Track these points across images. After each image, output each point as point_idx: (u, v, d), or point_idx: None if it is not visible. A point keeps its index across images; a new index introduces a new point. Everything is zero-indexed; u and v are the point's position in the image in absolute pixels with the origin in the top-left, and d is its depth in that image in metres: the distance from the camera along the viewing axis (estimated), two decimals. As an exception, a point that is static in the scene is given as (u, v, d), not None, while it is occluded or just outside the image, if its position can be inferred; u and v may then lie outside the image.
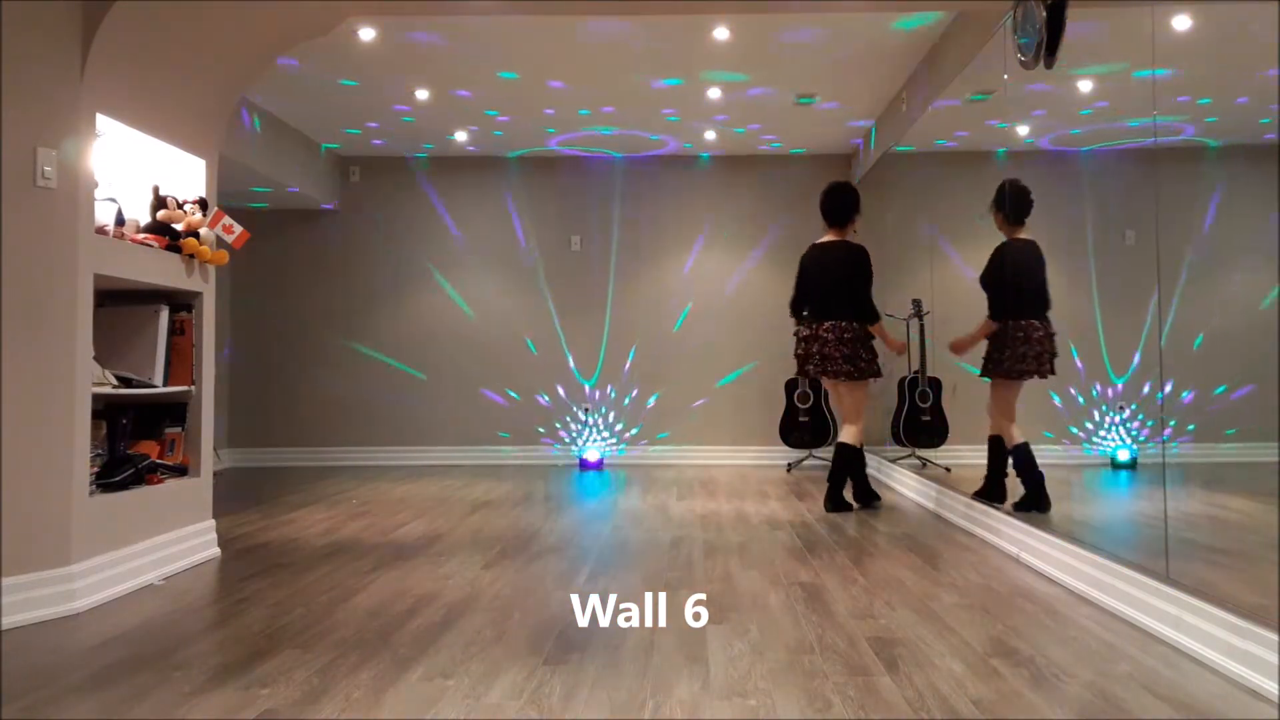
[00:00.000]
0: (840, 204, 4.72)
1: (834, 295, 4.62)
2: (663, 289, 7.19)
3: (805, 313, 4.77)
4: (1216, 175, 2.89)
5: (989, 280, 3.92)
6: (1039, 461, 3.68)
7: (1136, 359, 3.21)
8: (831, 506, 4.68)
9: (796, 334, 4.81)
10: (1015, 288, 3.74)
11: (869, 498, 4.83)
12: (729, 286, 7.21)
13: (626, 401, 7.16)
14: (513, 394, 7.20)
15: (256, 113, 5.82)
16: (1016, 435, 3.75)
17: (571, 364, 7.20)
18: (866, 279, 4.65)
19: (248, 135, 5.68)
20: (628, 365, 7.18)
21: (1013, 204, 3.73)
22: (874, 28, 4.58)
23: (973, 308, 3.97)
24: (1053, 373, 3.62)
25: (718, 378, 7.17)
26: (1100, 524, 3.70)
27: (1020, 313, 3.71)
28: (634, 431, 7.16)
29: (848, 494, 4.77)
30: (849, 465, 4.70)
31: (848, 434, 4.69)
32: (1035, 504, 3.62)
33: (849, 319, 4.59)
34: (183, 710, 1.99)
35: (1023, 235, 3.75)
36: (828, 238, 4.75)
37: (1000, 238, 3.83)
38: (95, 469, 3.13)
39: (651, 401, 7.16)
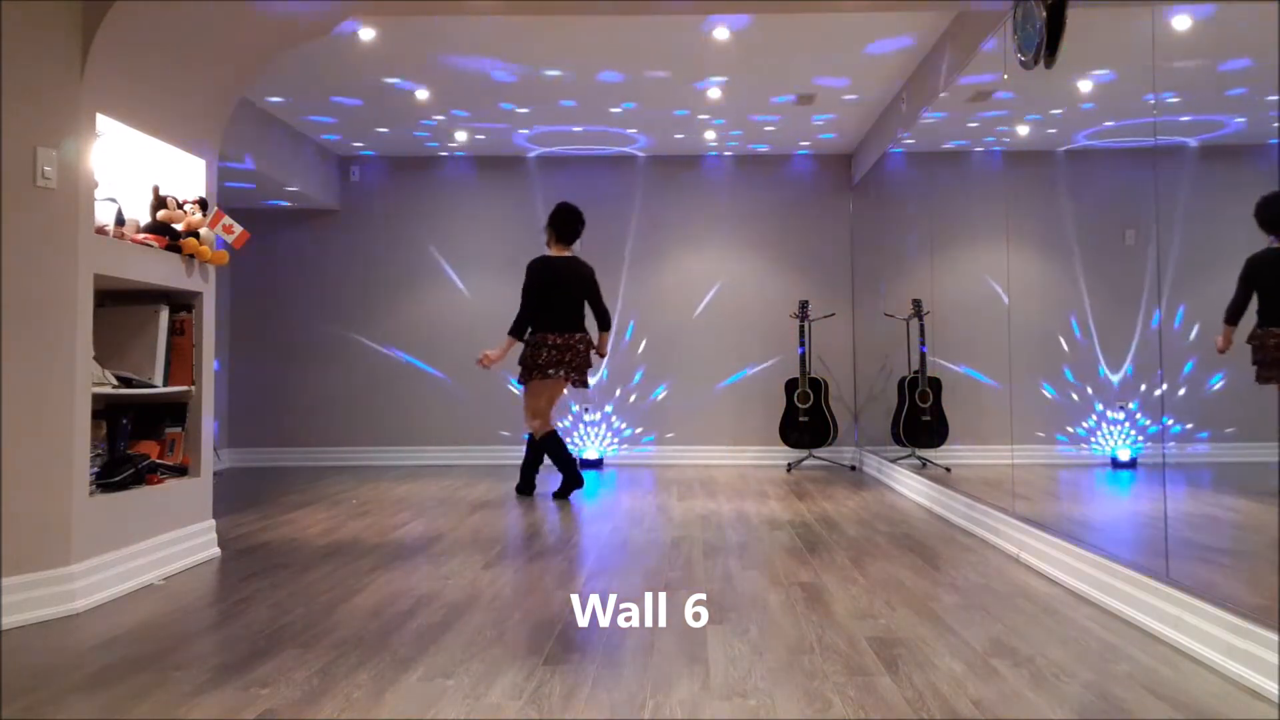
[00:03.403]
0: (574, 225, 5.28)
1: (578, 307, 5.22)
2: (662, 289, 7.19)
3: (548, 323, 5.11)
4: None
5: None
6: (1038, 462, 3.67)
7: (1132, 357, 3.20)
8: (527, 490, 5.31)
9: (542, 342, 5.12)
10: (1253, 293, 3.62)
11: (531, 489, 5.37)
12: (727, 287, 7.21)
13: (630, 398, 7.16)
14: (513, 394, 7.19)
15: (256, 113, 5.82)
16: None
17: (528, 372, 7.17)
18: (599, 292, 5.35)
19: (247, 135, 5.68)
20: (627, 365, 7.18)
21: (1263, 214, 3.58)
22: (873, 28, 4.59)
23: (972, 308, 3.97)
24: None
25: (718, 378, 7.17)
26: (1100, 524, 3.70)
27: (1266, 319, 3.60)
28: (634, 431, 7.16)
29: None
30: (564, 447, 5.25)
31: (546, 427, 5.22)
32: None
33: (585, 330, 5.22)
34: (183, 710, 1.99)
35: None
36: (558, 253, 5.27)
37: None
38: (95, 469, 3.13)
39: (651, 401, 7.16)
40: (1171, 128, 2.80)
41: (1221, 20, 2.66)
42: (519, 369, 5.19)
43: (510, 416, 7.18)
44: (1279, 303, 3.50)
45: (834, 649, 2.38)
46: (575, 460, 5.27)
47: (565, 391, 5.34)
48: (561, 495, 5.20)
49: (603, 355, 5.47)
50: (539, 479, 5.46)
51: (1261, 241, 3.34)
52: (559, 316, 5.14)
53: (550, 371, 5.08)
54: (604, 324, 5.35)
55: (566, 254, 5.27)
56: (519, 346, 5.21)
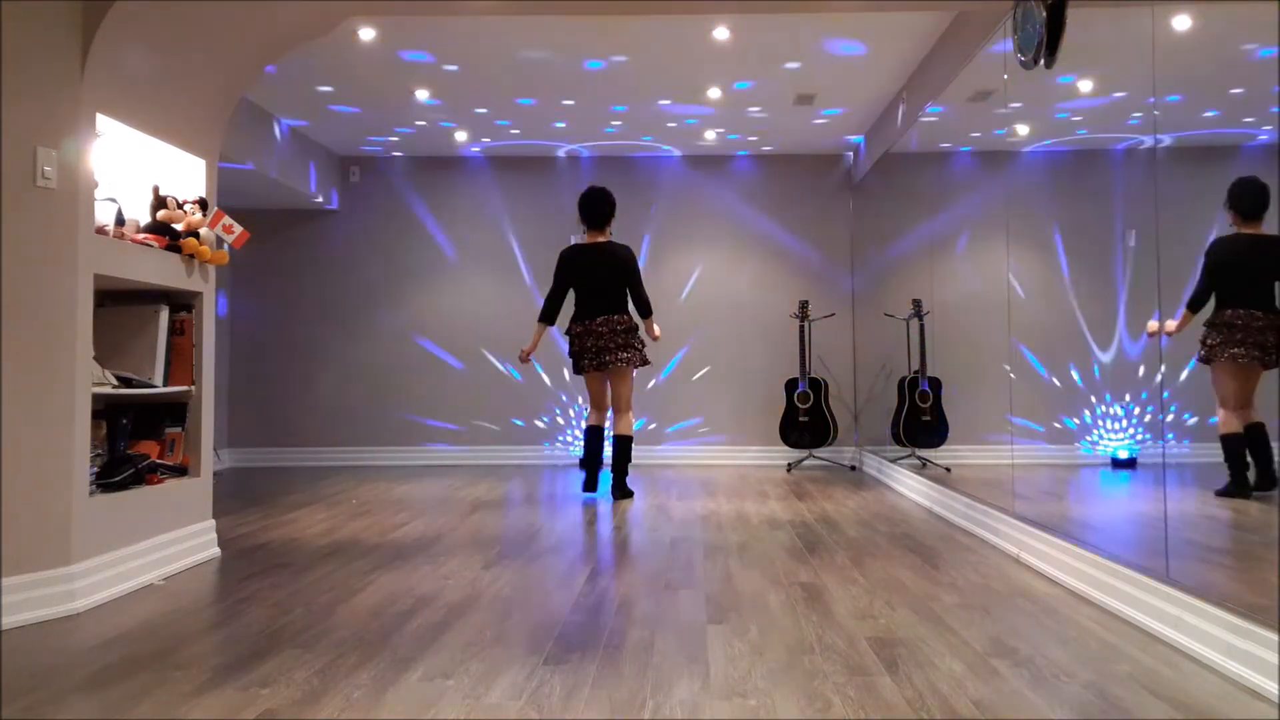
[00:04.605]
0: (600, 208, 5.13)
1: (605, 292, 5.07)
2: (660, 289, 7.19)
3: (574, 313, 5.16)
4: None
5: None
6: (1038, 462, 3.66)
7: (1136, 356, 3.20)
8: (620, 494, 5.16)
9: (569, 331, 5.15)
10: (1215, 278, 3.59)
11: (626, 492, 5.22)
12: (726, 286, 7.21)
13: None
14: (512, 394, 7.19)
15: (257, 113, 5.82)
16: (1225, 424, 3.56)
17: (571, 365, 7.19)
18: (639, 274, 5.17)
19: (248, 135, 5.68)
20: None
21: (1236, 200, 3.56)
22: (873, 27, 4.59)
23: (972, 307, 3.97)
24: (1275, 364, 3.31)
25: (717, 378, 7.17)
26: (1100, 523, 3.70)
27: (1228, 302, 3.56)
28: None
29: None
30: (629, 454, 5.20)
31: (627, 425, 5.16)
32: (1229, 491, 3.46)
33: (620, 312, 5.07)
34: (183, 710, 1.99)
35: (1249, 230, 3.52)
36: (589, 240, 5.17)
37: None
38: (95, 469, 3.13)
39: (649, 402, 7.16)
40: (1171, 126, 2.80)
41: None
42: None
43: (509, 416, 7.18)
44: (1253, 286, 3.47)
45: (834, 649, 2.38)
46: (597, 464, 5.24)
47: (633, 375, 5.20)
48: (585, 489, 5.30)
49: (655, 338, 5.28)
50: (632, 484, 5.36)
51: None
52: (581, 305, 5.15)
53: (582, 363, 5.12)
54: (643, 312, 5.19)
55: (600, 240, 5.17)
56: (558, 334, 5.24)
